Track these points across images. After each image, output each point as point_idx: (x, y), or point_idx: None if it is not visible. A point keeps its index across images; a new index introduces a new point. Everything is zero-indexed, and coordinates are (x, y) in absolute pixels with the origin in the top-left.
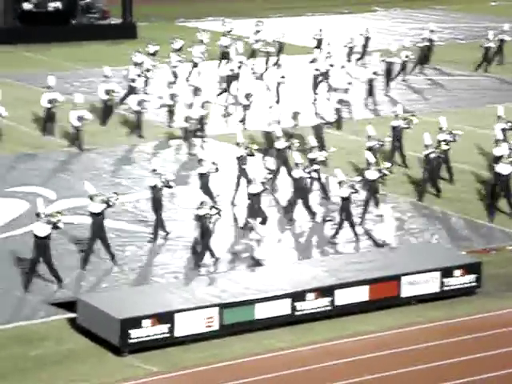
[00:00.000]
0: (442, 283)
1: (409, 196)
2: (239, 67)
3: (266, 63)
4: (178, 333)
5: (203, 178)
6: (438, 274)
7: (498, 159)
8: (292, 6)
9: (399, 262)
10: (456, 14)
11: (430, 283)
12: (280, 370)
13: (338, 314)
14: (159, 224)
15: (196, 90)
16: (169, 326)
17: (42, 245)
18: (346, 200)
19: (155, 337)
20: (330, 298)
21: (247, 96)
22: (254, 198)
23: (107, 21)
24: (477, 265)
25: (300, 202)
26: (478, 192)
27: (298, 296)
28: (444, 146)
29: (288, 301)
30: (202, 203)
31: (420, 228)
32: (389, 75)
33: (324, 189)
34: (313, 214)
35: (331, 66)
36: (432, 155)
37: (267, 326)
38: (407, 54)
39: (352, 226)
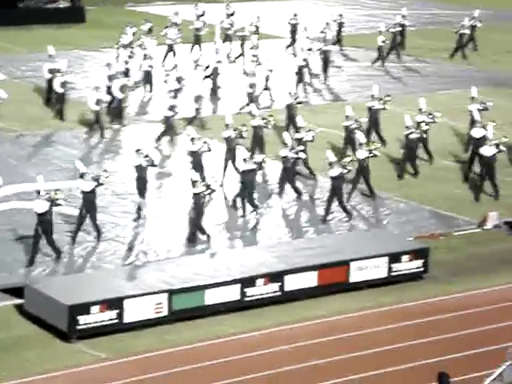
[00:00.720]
0: (390, 268)
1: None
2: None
3: (242, 47)
4: (127, 319)
5: (195, 156)
6: (386, 260)
7: (477, 140)
8: None
9: (348, 248)
10: (405, 1)
11: (378, 268)
12: (230, 355)
13: (287, 299)
14: (142, 204)
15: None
16: (118, 312)
17: (42, 221)
18: (336, 179)
19: (104, 323)
20: (279, 284)
21: (179, 80)
22: (249, 174)
23: (55, 4)
24: (424, 250)
25: (287, 181)
26: (426, 177)
27: (248, 282)
28: (424, 127)
29: (238, 286)
30: (195, 182)
31: (369, 214)
32: (326, 64)
33: (309, 168)
34: (299, 194)
35: (309, 50)
36: (412, 136)
37: (217, 311)
38: (383, 39)
39: (342, 205)
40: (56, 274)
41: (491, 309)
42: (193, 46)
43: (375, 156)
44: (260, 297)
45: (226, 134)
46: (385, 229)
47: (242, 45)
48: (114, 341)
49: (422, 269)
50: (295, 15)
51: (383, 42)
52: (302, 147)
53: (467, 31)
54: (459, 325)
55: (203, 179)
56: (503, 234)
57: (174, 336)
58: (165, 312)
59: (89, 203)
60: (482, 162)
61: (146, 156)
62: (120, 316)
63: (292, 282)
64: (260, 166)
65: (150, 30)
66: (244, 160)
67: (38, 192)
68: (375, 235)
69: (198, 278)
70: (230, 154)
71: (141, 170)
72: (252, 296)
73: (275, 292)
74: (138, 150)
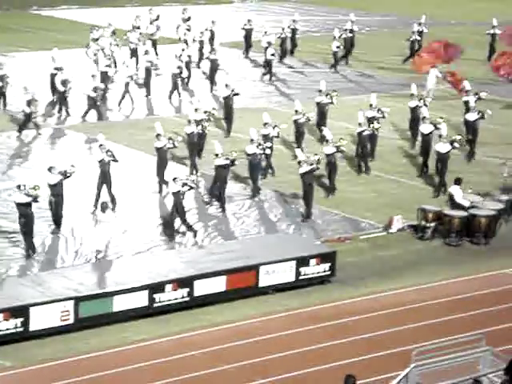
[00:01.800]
0: (298, 272)
1: (266, 186)
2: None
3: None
4: (32, 327)
5: (160, 152)
6: (293, 264)
7: (426, 136)
8: None
9: (257, 252)
10: (309, 7)
11: (286, 272)
12: (138, 362)
13: (196, 304)
14: (112, 198)
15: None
16: (22, 320)
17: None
18: (306, 176)
19: (9, 331)
20: (188, 289)
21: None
22: (223, 170)
23: None
24: (331, 254)
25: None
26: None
27: (157, 287)
28: (376, 125)
29: (146, 292)
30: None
31: (278, 217)
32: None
33: (271, 165)
34: (257, 190)
35: (273, 55)
36: (365, 133)
37: (125, 318)
38: (337, 44)
39: (307, 204)
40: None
41: (397, 311)
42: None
43: (342, 152)
44: (169, 302)
45: (189, 129)
46: (293, 233)
47: (200, 49)
48: (19, 349)
49: (329, 272)
50: (249, 21)
51: (338, 47)
52: (269, 143)
53: (417, 37)
54: (366, 327)
55: (162, 176)
56: (408, 237)
57: (81, 343)
58: (71, 319)
59: (55, 196)
60: (437, 159)
61: (108, 151)
62: (25, 324)
63: (201, 288)
64: (233, 162)
65: (113, 33)
66: (216, 155)
67: (19, 186)
68: (283, 239)
69: (106, 285)
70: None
71: (104, 165)
72: (161, 302)
73: (184, 297)
74: (100, 145)
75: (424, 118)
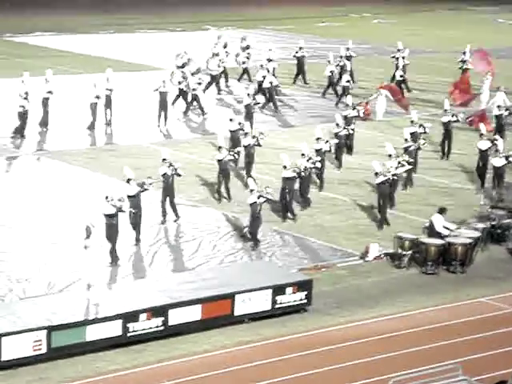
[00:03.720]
0: (274, 301)
1: (243, 214)
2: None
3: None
4: (4, 357)
5: (165, 179)
6: (270, 292)
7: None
8: (123, 22)
9: (232, 281)
10: (286, 34)
11: (262, 301)
12: None
13: (171, 333)
14: (173, 208)
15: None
16: None
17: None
18: (253, 204)
19: None
20: (162, 318)
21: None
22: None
23: None
24: (308, 282)
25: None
26: (308, 209)
27: (130, 317)
28: (422, 141)
29: (120, 322)
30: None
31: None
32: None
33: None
34: (229, 198)
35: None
36: (411, 148)
37: (99, 347)
38: (331, 69)
39: (252, 232)
40: None
41: (373, 340)
42: None
43: (301, 177)
44: (143, 332)
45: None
46: (269, 261)
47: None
48: None
49: (305, 301)
50: (301, 48)
51: (331, 72)
52: (238, 149)
53: (346, 61)
54: (342, 357)
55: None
56: (384, 265)
57: (54, 374)
58: (44, 349)
59: (134, 206)
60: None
61: (171, 165)
62: None
63: (176, 317)
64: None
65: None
66: (164, 160)
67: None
68: (259, 267)
69: (79, 314)
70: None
71: (167, 179)
72: (135, 331)
73: (158, 327)
74: (164, 160)
75: (482, 134)
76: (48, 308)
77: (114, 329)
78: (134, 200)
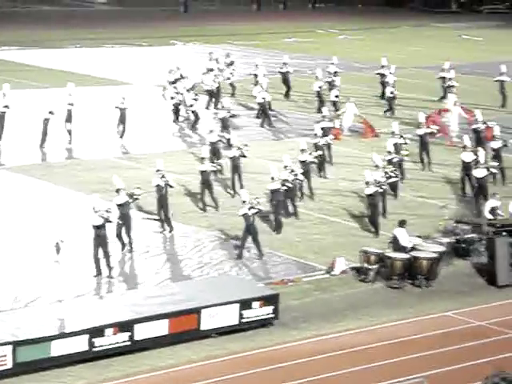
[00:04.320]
0: (241, 315)
1: (210, 228)
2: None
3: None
4: None
5: (158, 190)
6: (237, 307)
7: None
8: (90, 37)
9: (199, 295)
10: (254, 50)
11: (229, 315)
12: None
13: (137, 348)
14: (166, 220)
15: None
16: None
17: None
18: (244, 215)
19: None
20: (129, 333)
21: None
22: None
23: None
24: (274, 296)
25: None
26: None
27: (97, 332)
28: (404, 152)
29: (86, 337)
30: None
31: (220, 260)
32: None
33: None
34: (216, 206)
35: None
36: (394, 160)
37: (65, 363)
38: (320, 84)
39: (255, 241)
40: None
41: (339, 354)
42: None
43: (288, 189)
44: (109, 347)
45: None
46: (236, 275)
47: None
48: None
49: (272, 315)
50: (285, 64)
51: (320, 87)
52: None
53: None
54: (308, 371)
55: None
56: (350, 280)
57: None
58: (9, 364)
59: (122, 216)
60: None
61: (163, 176)
62: None
63: (142, 331)
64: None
65: (181, 76)
66: (157, 170)
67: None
68: (226, 282)
69: (44, 329)
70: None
71: (160, 190)
72: (101, 346)
73: (125, 342)
74: (157, 170)
75: (465, 146)
76: (13, 323)
77: (80, 344)
78: (123, 210)
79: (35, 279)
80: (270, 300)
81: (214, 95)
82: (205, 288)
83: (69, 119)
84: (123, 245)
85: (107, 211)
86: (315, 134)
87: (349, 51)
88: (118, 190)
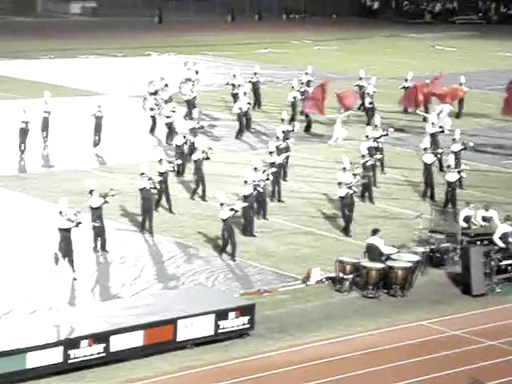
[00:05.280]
0: (217, 326)
1: (184, 238)
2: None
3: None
4: None
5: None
6: (212, 317)
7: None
8: (64, 47)
9: (175, 306)
10: (227, 60)
11: (205, 326)
12: None
13: (113, 360)
14: (149, 224)
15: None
16: None
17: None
18: (225, 220)
19: None
20: (104, 345)
21: None
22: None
23: None
24: (250, 307)
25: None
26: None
27: (71, 343)
28: (378, 156)
29: (61, 349)
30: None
31: (195, 270)
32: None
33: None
34: (170, 210)
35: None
36: (368, 163)
37: (39, 375)
38: (294, 95)
39: (233, 246)
40: None
41: (315, 364)
42: None
43: (261, 192)
44: (84, 358)
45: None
46: (211, 286)
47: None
48: None
49: (248, 325)
50: (255, 74)
51: (294, 98)
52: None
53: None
54: (284, 381)
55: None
56: (326, 289)
57: None
58: None
59: (96, 217)
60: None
61: (150, 179)
62: None
63: (117, 343)
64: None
65: (166, 86)
66: (142, 174)
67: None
68: (202, 292)
69: (19, 341)
70: None
71: (145, 193)
72: (76, 358)
73: (100, 353)
74: (142, 174)
75: (425, 148)
76: None
77: (54, 356)
78: (97, 212)
79: (8, 291)
80: (246, 310)
81: (192, 105)
82: (180, 299)
83: (45, 127)
84: (97, 247)
85: (75, 215)
86: (277, 137)
87: (323, 62)
88: (91, 192)
